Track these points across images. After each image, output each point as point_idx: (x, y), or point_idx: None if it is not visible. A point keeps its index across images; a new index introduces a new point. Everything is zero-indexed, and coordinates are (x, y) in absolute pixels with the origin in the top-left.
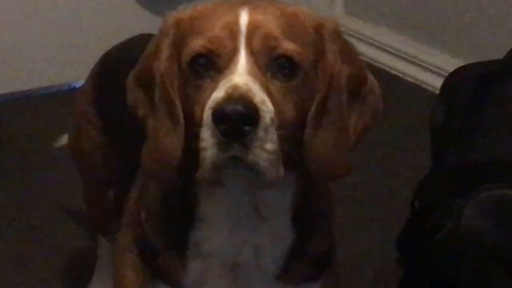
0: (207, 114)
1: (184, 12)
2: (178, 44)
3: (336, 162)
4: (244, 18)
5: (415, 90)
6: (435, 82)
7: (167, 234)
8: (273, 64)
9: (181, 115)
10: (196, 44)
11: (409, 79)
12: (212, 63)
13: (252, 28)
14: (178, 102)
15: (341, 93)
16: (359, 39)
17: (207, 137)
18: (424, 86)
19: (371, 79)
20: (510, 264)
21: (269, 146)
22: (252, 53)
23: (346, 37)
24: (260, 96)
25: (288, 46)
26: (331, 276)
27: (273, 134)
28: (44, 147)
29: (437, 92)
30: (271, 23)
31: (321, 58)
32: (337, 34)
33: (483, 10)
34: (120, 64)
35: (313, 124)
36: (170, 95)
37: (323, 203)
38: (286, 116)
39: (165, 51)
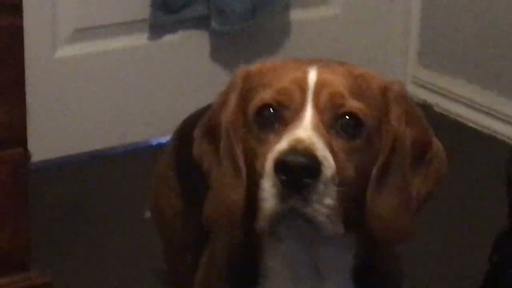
0: (269, 165)
1: (252, 66)
2: (245, 96)
3: (398, 227)
4: (312, 75)
5: (492, 141)
6: (511, 133)
7: (235, 285)
8: (338, 122)
9: (243, 167)
10: (265, 95)
11: (485, 131)
12: (278, 116)
13: (320, 86)
14: (240, 154)
15: (404, 157)
16: (433, 91)
17: (267, 187)
18: (500, 137)
19: (436, 143)
20: None
21: (328, 201)
22: (318, 109)
23: (412, 100)
24: (322, 152)
25: (353, 104)
26: None
27: (333, 190)
28: (121, 206)
29: None
30: (338, 82)
31: (385, 120)
32: (402, 97)
33: None
34: None
35: (376, 186)
36: (233, 146)
37: (389, 265)
38: (347, 175)
39: (232, 102)
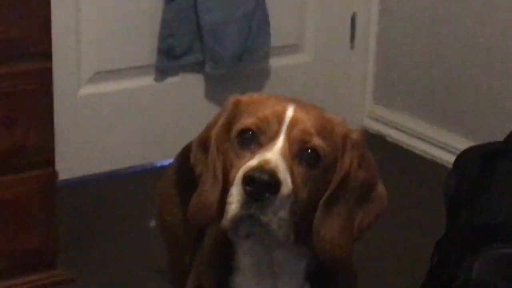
0: (239, 176)
1: (243, 96)
2: (232, 118)
3: (338, 248)
4: (290, 111)
5: (432, 165)
6: (448, 158)
7: (215, 277)
8: (302, 154)
9: (220, 174)
10: (248, 120)
11: (427, 156)
12: (255, 138)
13: (294, 121)
14: (219, 164)
15: (351, 192)
16: (386, 124)
17: (234, 194)
18: (439, 161)
19: (381, 187)
20: None
21: (281, 213)
22: (288, 140)
23: (368, 148)
24: (284, 174)
25: (317, 143)
26: None
27: (286, 206)
28: (131, 216)
29: (450, 166)
30: (309, 121)
31: (340, 160)
32: (359, 145)
33: (489, 101)
34: None
35: (322, 211)
36: (215, 157)
37: (343, 269)
38: (300, 196)
39: (221, 122)
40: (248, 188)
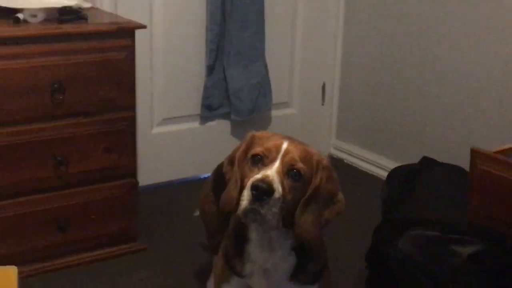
0: (249, 184)
1: (257, 132)
2: (249, 146)
3: (311, 233)
4: (285, 145)
5: (372, 178)
6: (383, 174)
7: (235, 247)
8: (290, 172)
9: (239, 181)
10: (258, 149)
11: (369, 173)
12: (261, 160)
13: (287, 152)
14: (239, 174)
15: (320, 197)
16: (344, 152)
17: (245, 195)
18: (377, 176)
19: (341, 195)
20: (431, 275)
21: (274, 209)
22: (282, 163)
23: (334, 169)
24: (277, 185)
25: (300, 166)
26: (324, 282)
27: (277, 205)
28: (184, 209)
29: (384, 179)
30: (296, 152)
31: (314, 176)
32: (327, 167)
33: (409, 137)
34: None
35: (301, 209)
36: (237, 170)
37: (316, 247)
38: (287, 199)
39: (242, 148)
40: (254, 192)
